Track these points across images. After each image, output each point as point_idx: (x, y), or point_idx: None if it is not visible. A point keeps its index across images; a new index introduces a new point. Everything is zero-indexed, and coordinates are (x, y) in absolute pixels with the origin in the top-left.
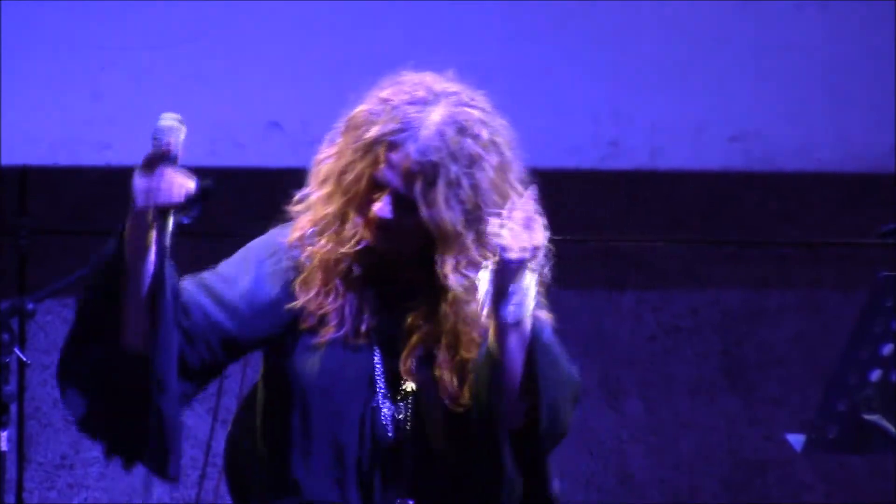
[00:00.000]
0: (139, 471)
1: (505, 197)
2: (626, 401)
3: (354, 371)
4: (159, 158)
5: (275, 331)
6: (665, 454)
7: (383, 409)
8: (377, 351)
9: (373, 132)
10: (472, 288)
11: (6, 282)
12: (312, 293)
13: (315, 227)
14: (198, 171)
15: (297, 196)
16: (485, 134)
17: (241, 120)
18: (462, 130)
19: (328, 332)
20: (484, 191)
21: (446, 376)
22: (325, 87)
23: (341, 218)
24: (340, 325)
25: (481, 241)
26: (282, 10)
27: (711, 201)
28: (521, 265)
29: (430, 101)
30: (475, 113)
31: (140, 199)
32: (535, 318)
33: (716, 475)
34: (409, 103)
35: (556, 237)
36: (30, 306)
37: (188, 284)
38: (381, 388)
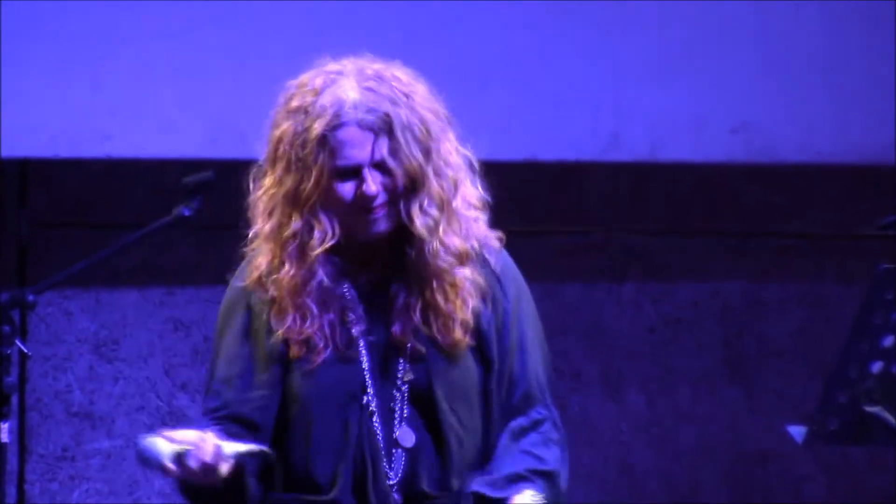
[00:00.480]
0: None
1: (443, 126)
2: (627, 393)
3: (349, 383)
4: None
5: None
6: (666, 446)
7: (372, 408)
8: (365, 354)
9: (312, 133)
10: (434, 228)
11: (7, 273)
12: (289, 321)
13: (270, 261)
14: (199, 163)
15: (249, 237)
16: (399, 74)
17: (242, 111)
18: (381, 78)
19: (319, 355)
20: (429, 122)
21: (438, 325)
22: None
23: (305, 231)
24: (326, 344)
25: (438, 174)
26: (282, 1)
27: (712, 194)
28: None
29: (335, 79)
30: (376, 65)
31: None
32: None
33: (717, 467)
34: (320, 92)
35: (557, 229)
36: (30, 298)
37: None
38: (370, 391)
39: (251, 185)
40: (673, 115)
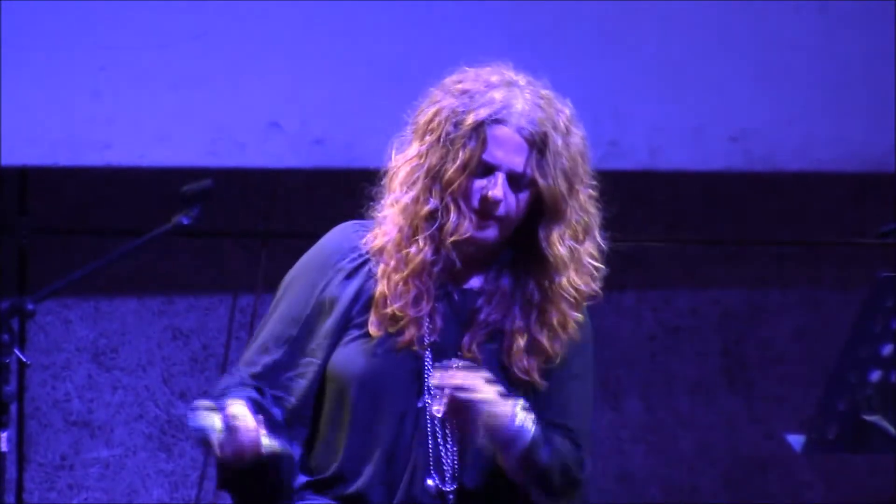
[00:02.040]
0: (138, 471)
1: (587, 173)
2: (626, 400)
3: (403, 370)
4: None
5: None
6: (665, 453)
7: (429, 413)
8: (428, 352)
9: (472, 117)
10: (570, 260)
11: (6, 282)
12: (410, 300)
13: (402, 232)
14: (198, 171)
15: (381, 202)
16: (566, 109)
17: (241, 120)
18: (551, 104)
19: (409, 337)
20: (578, 162)
21: (518, 344)
22: (325, 87)
23: (443, 212)
24: (415, 329)
25: (576, 212)
26: (282, 10)
27: (711, 201)
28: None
29: (511, 83)
30: (548, 91)
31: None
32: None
33: (716, 474)
34: (493, 87)
35: None
36: (30, 306)
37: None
38: (428, 386)
39: (392, 153)
40: (672, 123)
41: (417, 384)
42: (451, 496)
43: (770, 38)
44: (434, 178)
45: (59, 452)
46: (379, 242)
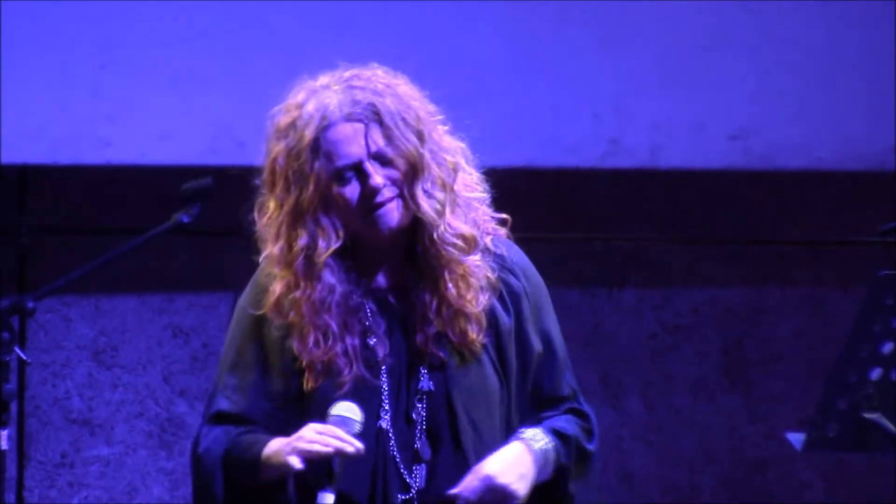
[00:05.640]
0: (138, 469)
1: (431, 113)
2: (627, 399)
3: (368, 406)
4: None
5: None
6: (665, 452)
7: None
8: (385, 377)
9: (304, 141)
10: (441, 211)
11: (6, 280)
12: (310, 343)
13: (285, 284)
14: (198, 170)
15: (260, 263)
16: (377, 71)
17: (241, 118)
18: (359, 76)
19: (342, 385)
20: (416, 108)
21: (452, 324)
22: None
23: (311, 243)
24: (349, 370)
25: (436, 157)
26: (282, 8)
27: (712, 199)
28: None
29: (315, 90)
30: (350, 69)
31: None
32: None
33: (716, 473)
34: (304, 104)
35: (556, 236)
36: (30, 304)
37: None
38: (387, 411)
39: (256, 217)
40: (672, 121)
41: (378, 408)
42: None
43: (770, 37)
44: (296, 217)
45: (60, 450)
46: (271, 301)
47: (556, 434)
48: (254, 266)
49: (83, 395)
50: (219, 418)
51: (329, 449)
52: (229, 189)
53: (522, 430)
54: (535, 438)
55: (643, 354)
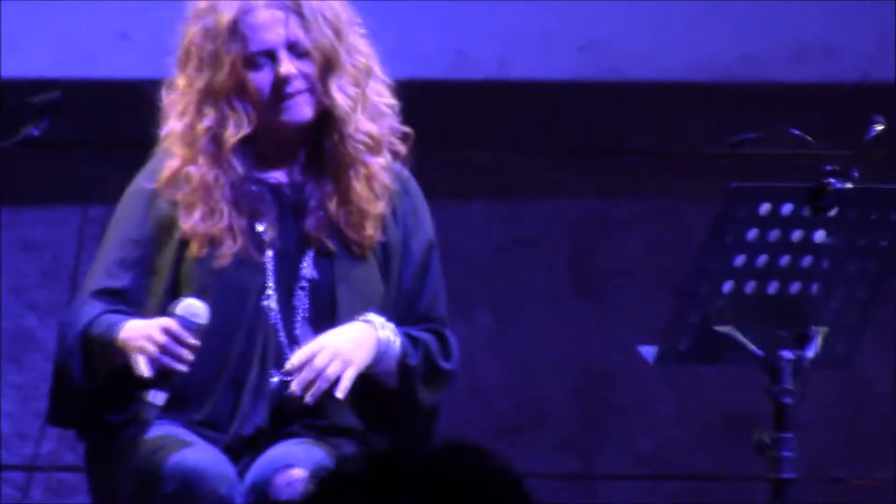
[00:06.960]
0: None
1: (350, 17)
2: (476, 312)
3: (250, 284)
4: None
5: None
6: (515, 365)
7: (271, 305)
8: (272, 258)
9: (223, 23)
10: (354, 107)
11: None
12: (196, 217)
13: (182, 160)
14: (46, 83)
15: (161, 135)
16: None
17: (90, 31)
18: None
19: (224, 258)
20: (337, 8)
21: (350, 219)
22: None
23: (220, 124)
24: (232, 247)
25: (351, 56)
26: None
27: (561, 111)
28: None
29: None
30: None
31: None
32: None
33: (565, 385)
34: None
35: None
36: None
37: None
38: (271, 291)
39: (162, 98)
40: (520, 33)
41: (261, 287)
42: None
43: None
44: (205, 97)
45: None
46: (165, 175)
47: (407, 336)
48: (104, 179)
49: None
50: (98, 294)
51: (162, 360)
52: (78, 102)
53: (369, 314)
54: (383, 327)
55: (492, 267)
